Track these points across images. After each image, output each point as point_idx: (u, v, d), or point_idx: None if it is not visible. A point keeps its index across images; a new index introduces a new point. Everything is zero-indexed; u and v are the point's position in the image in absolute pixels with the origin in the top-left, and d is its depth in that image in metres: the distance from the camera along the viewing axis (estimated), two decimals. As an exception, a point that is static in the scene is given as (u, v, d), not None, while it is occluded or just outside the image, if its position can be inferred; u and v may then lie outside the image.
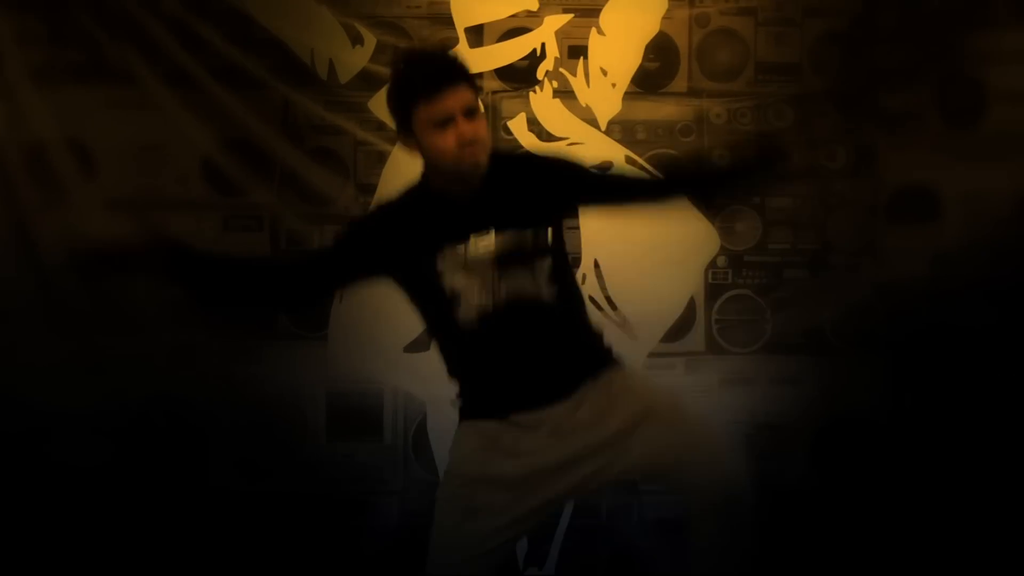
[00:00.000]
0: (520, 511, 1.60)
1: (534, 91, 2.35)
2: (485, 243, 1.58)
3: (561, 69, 2.33)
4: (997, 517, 2.25)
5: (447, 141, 1.55)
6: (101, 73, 2.29)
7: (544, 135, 2.34)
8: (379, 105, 2.30)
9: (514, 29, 2.32)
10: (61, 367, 2.26)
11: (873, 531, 2.29)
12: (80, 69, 2.29)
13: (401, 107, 1.59)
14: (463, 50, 2.33)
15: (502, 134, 2.31)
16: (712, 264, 2.33)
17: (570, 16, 2.31)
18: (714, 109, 2.33)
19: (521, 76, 2.34)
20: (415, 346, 2.30)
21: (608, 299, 2.31)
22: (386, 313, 2.29)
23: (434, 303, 1.63)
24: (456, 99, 1.55)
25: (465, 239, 1.58)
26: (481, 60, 2.32)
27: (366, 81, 2.33)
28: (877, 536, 2.29)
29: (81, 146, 2.30)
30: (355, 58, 2.33)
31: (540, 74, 2.33)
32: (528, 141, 2.34)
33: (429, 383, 2.28)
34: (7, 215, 2.27)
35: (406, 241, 1.61)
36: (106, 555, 2.28)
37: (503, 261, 1.58)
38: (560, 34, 2.32)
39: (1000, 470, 2.25)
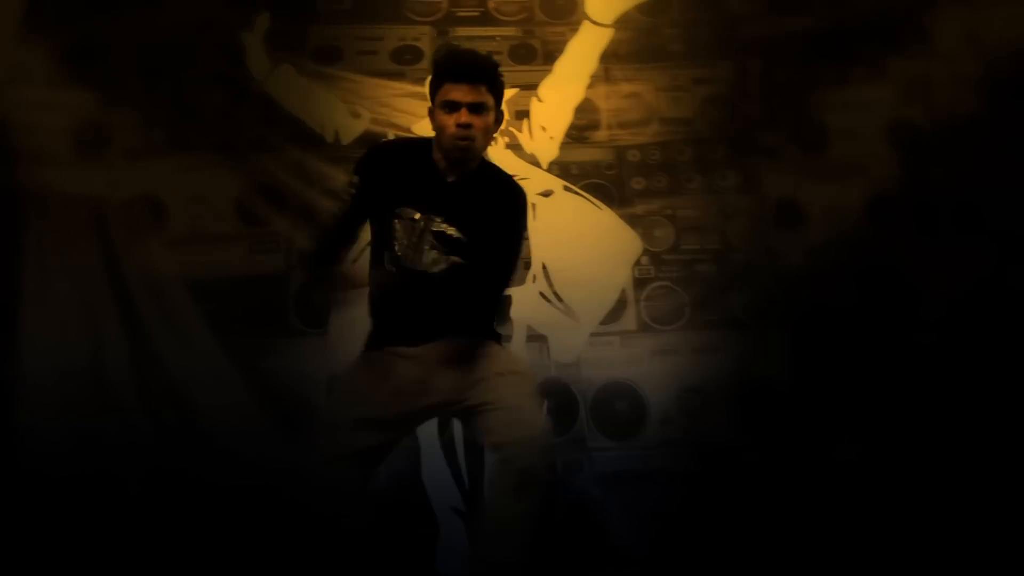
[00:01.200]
0: (385, 416, 1.90)
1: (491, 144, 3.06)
2: (435, 223, 1.90)
3: (511, 128, 3.06)
4: (878, 459, 2.65)
5: (448, 122, 1.88)
6: (172, 148, 2.97)
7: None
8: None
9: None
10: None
11: (780, 477, 2.67)
12: (159, 147, 2.97)
13: (432, 84, 1.94)
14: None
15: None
16: (637, 262, 2.91)
17: (516, 90, 3.06)
18: (630, 151, 3.04)
19: (481, 134, 3.07)
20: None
21: (555, 293, 2.87)
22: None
23: (380, 237, 1.96)
24: (468, 92, 1.88)
25: (431, 208, 1.90)
26: (451, 124, 3.07)
27: (363, 142, 3.04)
28: (783, 480, 2.67)
29: (156, 199, 2.95)
30: (355, 126, 3.08)
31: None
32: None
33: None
34: (102, 253, 2.88)
35: (397, 172, 1.94)
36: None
37: (439, 239, 1.90)
38: (508, 103, 3.04)
39: (873, 418, 2.69)
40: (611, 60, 3.10)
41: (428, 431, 2.70)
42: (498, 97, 1.97)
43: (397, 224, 1.92)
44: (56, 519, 2.67)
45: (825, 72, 3.03)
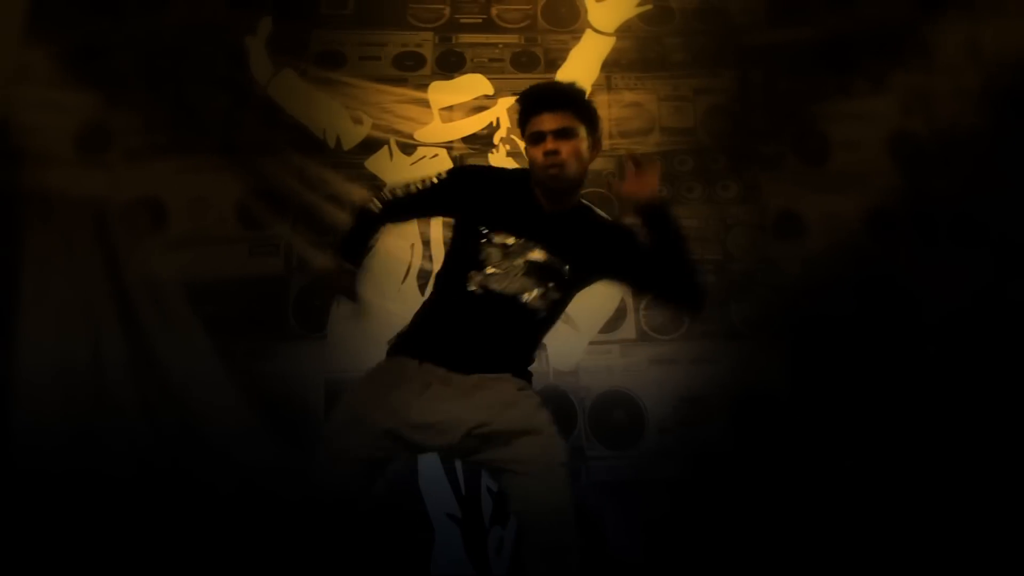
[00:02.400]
0: (406, 434, 1.83)
1: (492, 151, 3.07)
2: (533, 251, 1.87)
3: (512, 135, 3.06)
4: (878, 464, 2.65)
5: (537, 153, 1.87)
6: (174, 150, 2.97)
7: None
8: (373, 163, 3.05)
9: (476, 108, 3.08)
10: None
11: (779, 484, 2.67)
12: (161, 148, 2.96)
13: (520, 121, 1.94)
14: (437, 126, 3.09)
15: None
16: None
17: (516, 97, 3.08)
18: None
19: (482, 141, 3.06)
20: (398, 340, 2.83)
21: (555, 301, 2.87)
22: (372, 314, 2.85)
23: (464, 254, 1.89)
24: (550, 121, 1.86)
25: (525, 235, 1.87)
26: (452, 131, 3.07)
27: (365, 147, 3.05)
28: (783, 487, 2.67)
29: (157, 201, 2.95)
30: (356, 132, 3.08)
31: (496, 139, 3.07)
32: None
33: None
34: (103, 254, 2.88)
35: (492, 197, 1.91)
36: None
37: (530, 270, 1.86)
38: (510, 110, 3.06)
39: (872, 428, 2.69)
40: (613, 69, 3.11)
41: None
42: (589, 122, 1.92)
43: (489, 248, 1.88)
44: (52, 518, 2.66)
45: (827, 83, 3.04)
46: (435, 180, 1.98)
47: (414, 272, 2.90)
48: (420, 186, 2.00)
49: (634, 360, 2.82)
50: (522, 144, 3.01)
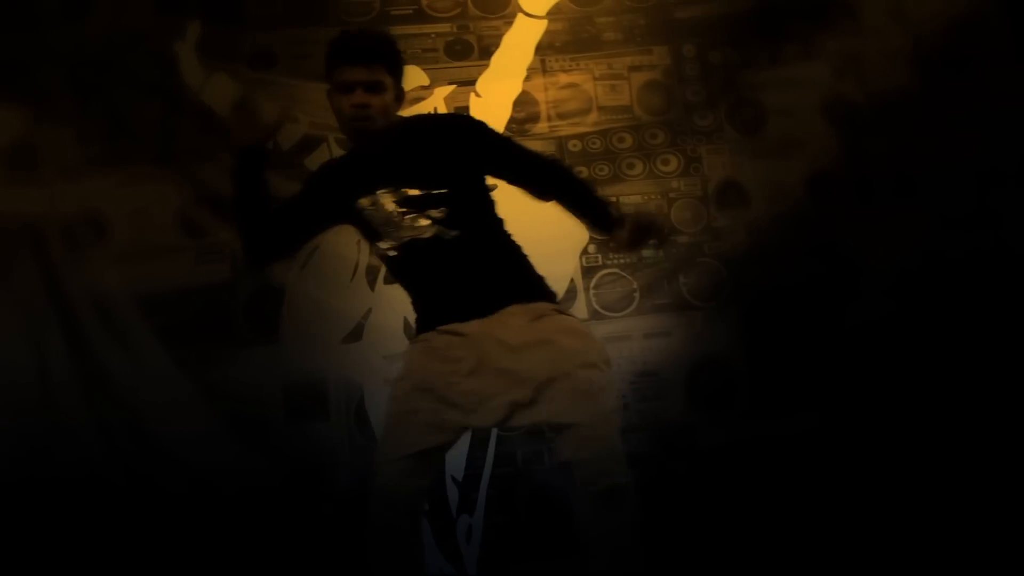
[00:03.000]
0: (438, 420, 1.79)
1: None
2: (388, 197, 1.85)
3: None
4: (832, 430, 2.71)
5: (342, 104, 1.84)
6: (110, 163, 2.92)
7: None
8: (313, 162, 3.02)
9: (415, 99, 3.07)
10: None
11: (735, 453, 2.72)
12: (96, 162, 2.91)
13: (327, 69, 1.89)
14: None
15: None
16: (584, 251, 2.93)
17: (453, 87, 3.06)
18: (571, 141, 3.05)
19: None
20: (350, 338, 2.83)
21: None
22: (323, 313, 2.84)
23: (368, 237, 1.94)
24: (361, 72, 1.82)
25: (374, 190, 1.85)
26: (391, 123, 3.06)
27: (304, 146, 3.02)
28: (744, 454, 2.72)
29: (97, 215, 2.89)
30: (294, 131, 3.04)
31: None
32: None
33: (363, 368, 2.79)
34: (42, 273, 2.83)
35: (341, 184, 1.91)
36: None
37: (405, 207, 1.83)
38: (448, 99, 3.06)
39: (828, 384, 2.75)
40: (547, 51, 3.11)
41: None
42: (397, 75, 1.90)
43: (365, 216, 1.88)
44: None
45: (758, 52, 3.08)
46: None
47: (362, 268, 2.88)
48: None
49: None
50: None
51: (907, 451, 2.72)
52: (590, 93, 3.09)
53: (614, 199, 2.97)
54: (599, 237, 2.51)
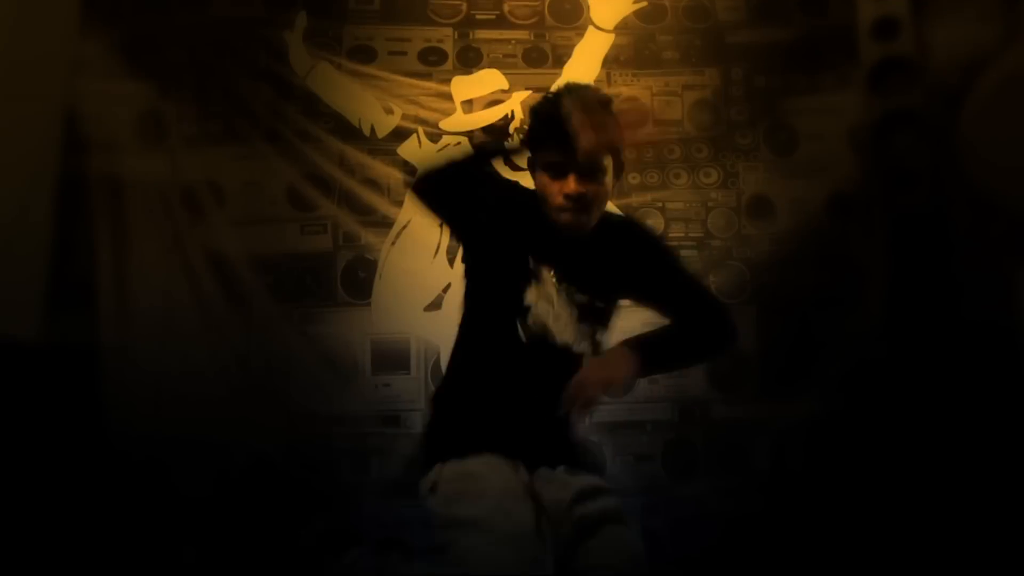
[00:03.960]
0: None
1: (508, 140, 3.50)
2: (574, 292, 1.61)
3: (525, 125, 3.49)
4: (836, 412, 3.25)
5: (553, 188, 1.54)
6: (227, 138, 3.35)
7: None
8: (404, 150, 3.49)
9: (493, 101, 3.50)
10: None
11: (744, 427, 3.26)
12: (215, 137, 3.35)
13: (531, 137, 1.62)
14: (459, 116, 3.51)
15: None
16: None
17: (529, 92, 3.49)
18: (627, 149, 3.49)
19: (498, 131, 3.50)
20: (431, 307, 3.35)
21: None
22: (411, 285, 3.36)
23: (500, 298, 1.59)
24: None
25: (560, 268, 1.58)
26: (472, 121, 3.50)
27: (396, 136, 3.47)
28: (747, 430, 3.26)
29: (215, 184, 3.35)
30: (388, 121, 3.50)
31: (511, 129, 3.51)
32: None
33: (441, 333, 3.31)
34: (169, 232, 3.31)
35: (523, 224, 1.57)
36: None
37: (579, 312, 1.62)
38: (523, 104, 3.47)
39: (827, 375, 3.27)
40: (612, 66, 3.52)
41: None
42: (617, 152, 1.61)
43: (530, 282, 1.60)
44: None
45: (798, 80, 3.50)
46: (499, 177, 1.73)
47: (443, 248, 3.38)
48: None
49: (630, 323, 3.29)
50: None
51: (897, 440, 3.22)
52: (647, 106, 3.53)
53: (660, 204, 3.47)
54: None
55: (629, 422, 3.32)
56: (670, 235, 3.44)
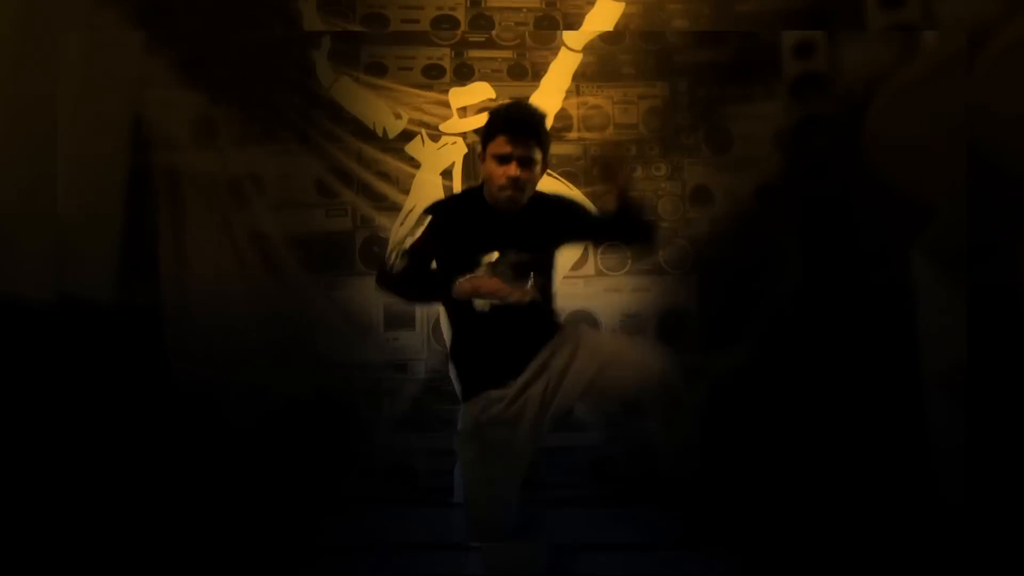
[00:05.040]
0: (517, 445, 2.12)
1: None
2: (512, 256, 2.13)
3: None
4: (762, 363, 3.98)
5: (497, 172, 2.05)
6: (266, 138, 4.00)
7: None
8: (411, 148, 4.22)
9: (484, 108, 4.23)
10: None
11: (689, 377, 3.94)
12: (256, 137, 4.00)
13: (486, 134, 2.13)
14: (455, 121, 4.26)
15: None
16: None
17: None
18: (592, 147, 4.23)
19: (488, 132, 4.24)
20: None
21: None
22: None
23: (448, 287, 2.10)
24: (518, 146, 2.03)
25: (500, 247, 2.11)
26: (466, 124, 4.26)
27: (404, 137, 4.21)
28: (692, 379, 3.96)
29: (256, 176, 4.03)
30: (397, 125, 4.25)
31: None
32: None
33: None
34: (219, 215, 4.00)
35: (459, 229, 2.11)
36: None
37: (517, 271, 2.13)
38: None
39: (755, 330, 4.02)
40: (580, 79, 4.22)
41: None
42: (545, 149, 2.16)
43: (481, 271, 2.11)
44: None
45: (733, 91, 4.25)
46: (423, 232, 2.19)
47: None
48: (417, 242, 2.23)
49: (593, 289, 4.10)
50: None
51: (810, 385, 3.89)
52: (609, 112, 4.27)
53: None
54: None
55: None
56: (627, 218, 4.17)
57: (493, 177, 2.15)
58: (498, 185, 2.15)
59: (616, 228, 2.30)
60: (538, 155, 2.15)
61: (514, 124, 2.13)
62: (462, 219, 2.22)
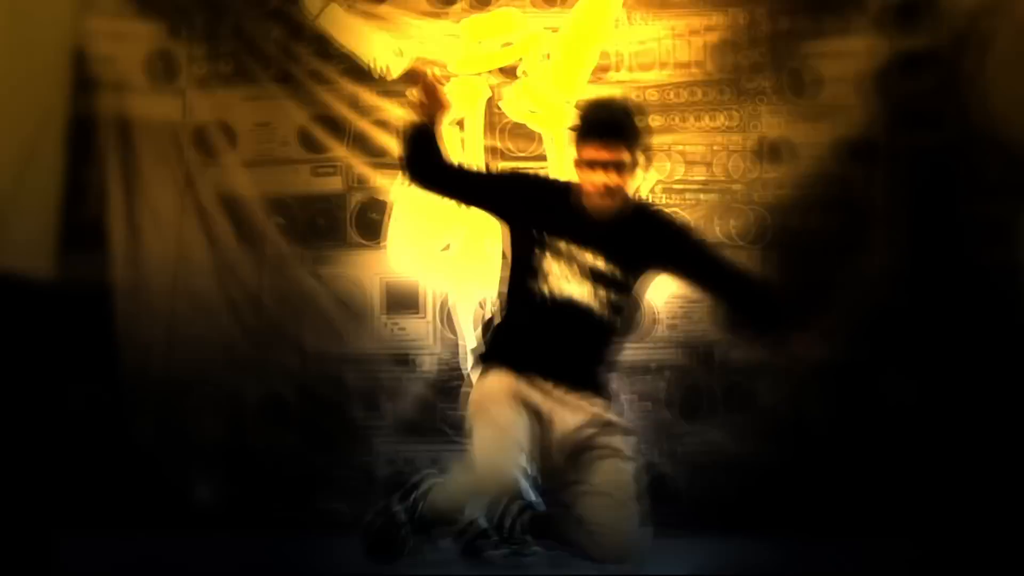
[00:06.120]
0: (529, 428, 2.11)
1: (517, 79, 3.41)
2: (595, 260, 2.14)
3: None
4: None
5: (588, 178, 2.09)
6: (238, 79, 3.36)
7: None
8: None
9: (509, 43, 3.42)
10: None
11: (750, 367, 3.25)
12: (225, 77, 3.36)
13: (578, 138, 2.13)
14: (469, 58, 3.42)
15: (495, 109, 3.37)
16: (651, 191, 3.30)
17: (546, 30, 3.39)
18: (648, 91, 3.39)
19: (510, 72, 3.41)
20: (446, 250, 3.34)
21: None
22: (423, 228, 3.33)
23: (528, 266, 2.15)
24: (607, 152, 2.05)
25: (583, 244, 2.13)
26: (483, 62, 3.42)
27: (409, 78, 3.41)
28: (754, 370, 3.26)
29: (226, 125, 3.36)
30: (400, 63, 3.44)
31: (519, 73, 3.38)
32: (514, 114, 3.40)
33: (452, 277, 3.30)
34: (180, 172, 3.33)
35: (549, 209, 2.15)
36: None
37: (594, 278, 2.13)
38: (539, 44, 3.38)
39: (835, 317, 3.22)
40: (630, 5, 3.44)
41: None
42: (635, 150, 2.12)
43: (548, 255, 2.14)
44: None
45: (821, 23, 3.41)
46: (495, 172, 2.34)
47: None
48: (509, 172, 2.38)
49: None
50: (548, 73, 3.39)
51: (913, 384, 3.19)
52: (668, 48, 3.43)
53: (681, 148, 3.40)
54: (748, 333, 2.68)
55: (642, 365, 3.29)
56: (691, 177, 3.36)
57: (582, 183, 2.16)
58: (588, 192, 2.15)
59: (730, 284, 2.31)
60: (627, 156, 2.11)
61: (597, 128, 2.12)
62: (557, 205, 2.20)
